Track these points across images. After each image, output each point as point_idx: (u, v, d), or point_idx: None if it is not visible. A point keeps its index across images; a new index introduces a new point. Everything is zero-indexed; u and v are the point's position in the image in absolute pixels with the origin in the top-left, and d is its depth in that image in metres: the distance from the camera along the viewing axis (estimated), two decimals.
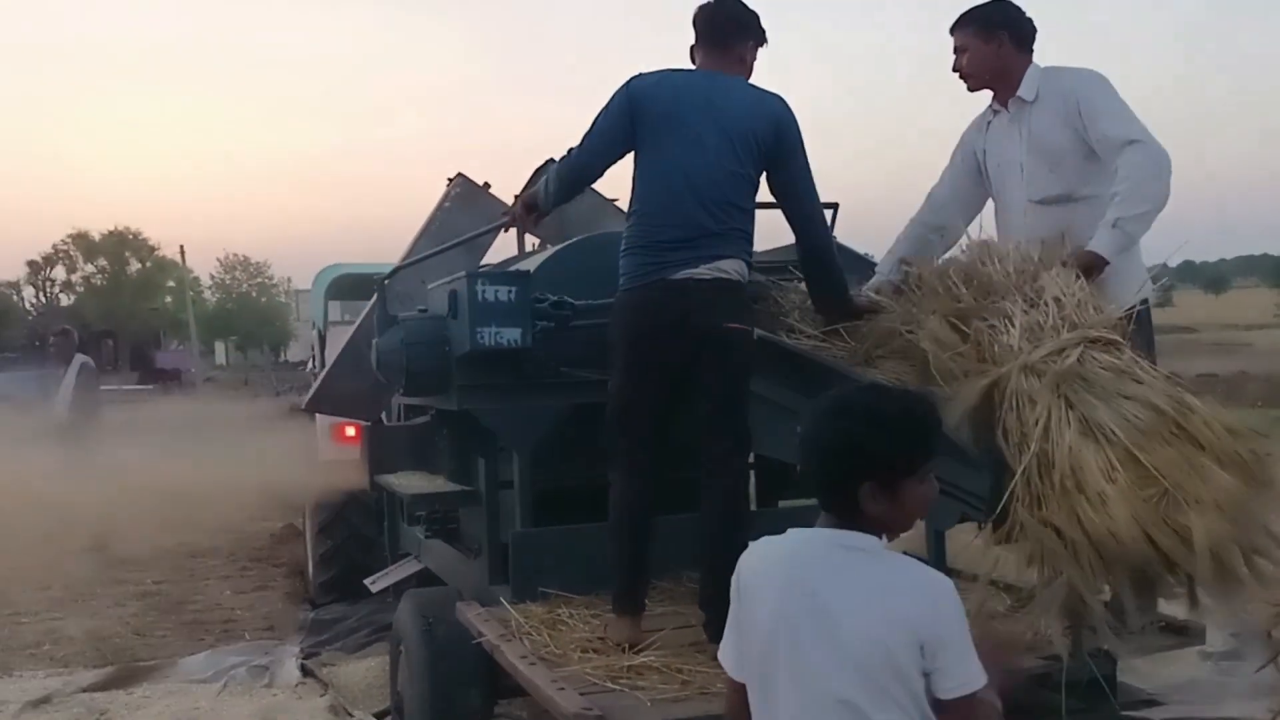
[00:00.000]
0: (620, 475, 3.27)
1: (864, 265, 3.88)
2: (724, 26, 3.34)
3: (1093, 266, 3.04)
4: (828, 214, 3.97)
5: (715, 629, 3.05)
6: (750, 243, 3.28)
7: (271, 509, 9.79)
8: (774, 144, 3.22)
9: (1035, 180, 3.41)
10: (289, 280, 59.32)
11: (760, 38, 3.39)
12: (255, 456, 9.09)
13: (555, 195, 3.49)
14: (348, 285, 8.11)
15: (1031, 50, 3.50)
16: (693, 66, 3.40)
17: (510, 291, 3.61)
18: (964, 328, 2.87)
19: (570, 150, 3.41)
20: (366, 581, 5.78)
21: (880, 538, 1.82)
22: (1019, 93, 3.45)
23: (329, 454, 7.05)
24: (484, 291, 3.60)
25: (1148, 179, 3.16)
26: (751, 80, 3.36)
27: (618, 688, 2.78)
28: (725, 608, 3.04)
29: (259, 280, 60.80)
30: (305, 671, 5.60)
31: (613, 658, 2.99)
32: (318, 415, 6.75)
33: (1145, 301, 3.31)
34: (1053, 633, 2.57)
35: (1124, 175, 3.16)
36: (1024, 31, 3.47)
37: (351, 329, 5.98)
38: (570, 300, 3.77)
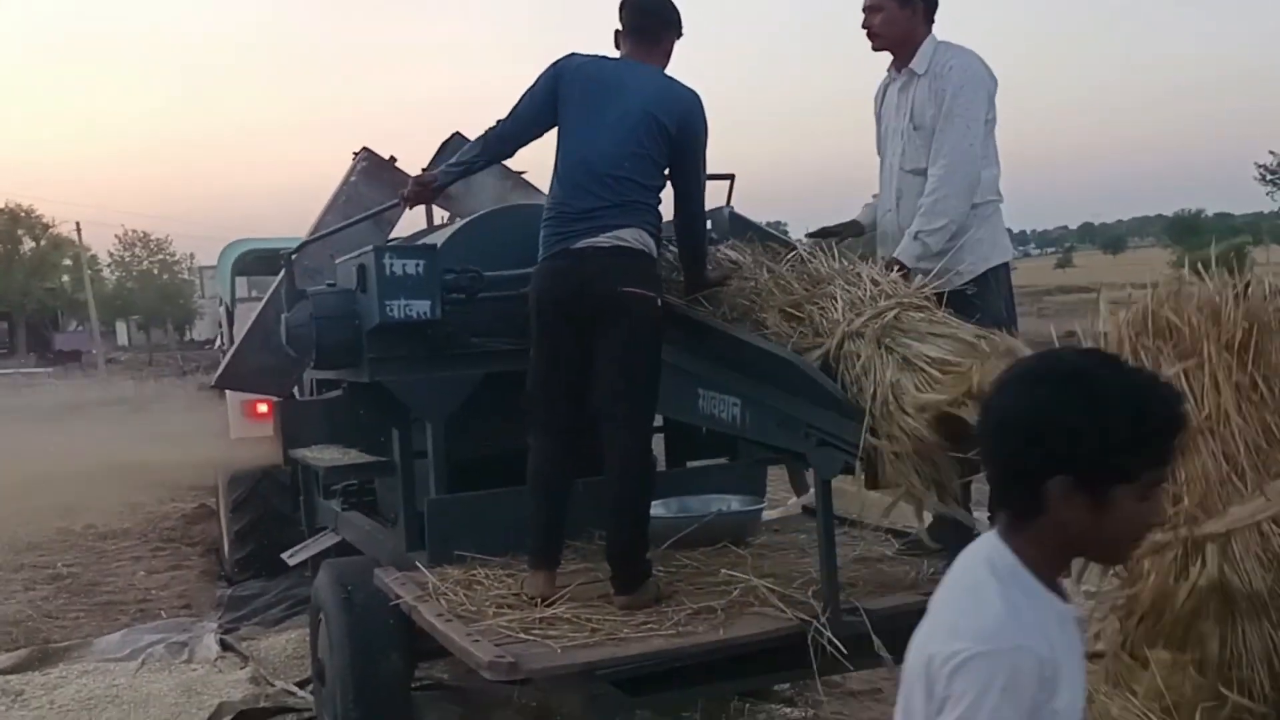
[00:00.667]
0: (537, 439, 3.44)
1: (760, 233, 4.04)
2: (650, 20, 3.55)
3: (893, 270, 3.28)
4: (724, 185, 4.17)
5: (620, 582, 3.23)
6: (655, 216, 3.43)
7: (183, 489, 9.71)
8: (678, 134, 3.39)
9: (909, 150, 3.60)
10: (192, 257, 57.72)
11: (680, 31, 3.60)
12: (164, 437, 9.00)
13: (465, 166, 3.65)
14: (255, 261, 8.04)
15: (933, 22, 3.63)
16: (618, 53, 3.57)
17: (418, 265, 3.70)
18: (800, 314, 3.14)
19: (497, 123, 3.58)
20: (284, 555, 5.83)
21: (1041, 565, 1.37)
22: (912, 64, 3.60)
23: (241, 431, 7.03)
24: (392, 265, 3.67)
25: (950, 195, 3.42)
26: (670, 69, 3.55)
27: (530, 638, 2.92)
28: (628, 562, 3.23)
29: (160, 257, 59.07)
30: (224, 646, 5.64)
31: (526, 611, 3.13)
32: (229, 393, 6.72)
33: (1006, 264, 3.57)
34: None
35: (931, 189, 3.44)
36: (934, 3, 3.62)
37: (260, 305, 5.97)
38: (479, 271, 3.87)
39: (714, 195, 3.94)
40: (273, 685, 4.96)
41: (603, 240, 3.29)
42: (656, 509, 3.61)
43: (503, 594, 3.33)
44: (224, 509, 7.40)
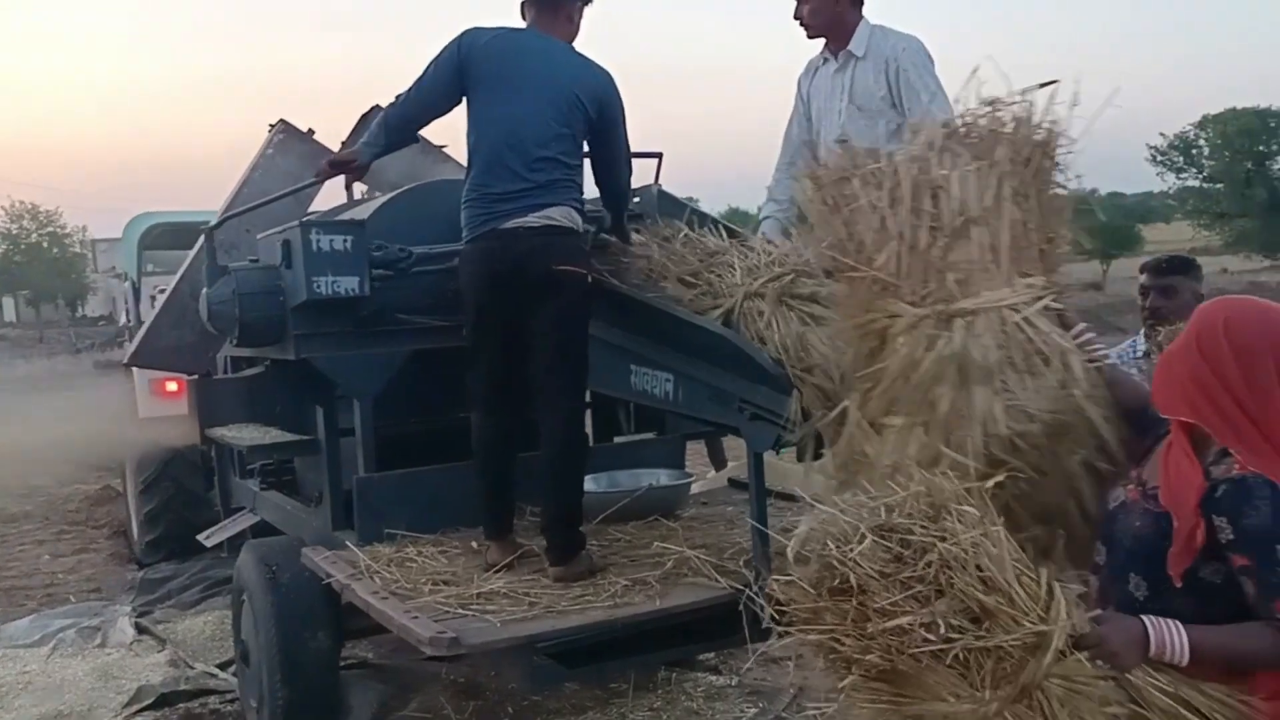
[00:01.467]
0: (477, 415, 3.48)
1: (681, 208, 4.08)
2: None
3: None
4: (652, 163, 4.20)
5: (555, 554, 3.27)
6: (580, 192, 3.45)
7: (85, 470, 9.43)
8: (596, 115, 3.41)
9: (849, 128, 3.66)
10: (84, 229, 55.41)
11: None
12: (66, 417, 8.71)
13: (380, 145, 3.59)
14: (161, 235, 7.80)
15: (862, 4, 3.72)
16: (524, 23, 3.52)
17: (346, 240, 3.65)
18: (698, 281, 3.31)
19: (398, 97, 3.49)
20: (200, 537, 5.70)
21: None
22: (850, 46, 3.68)
23: (150, 410, 6.86)
24: (319, 240, 3.62)
25: None
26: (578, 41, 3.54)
27: (469, 613, 2.94)
28: (563, 535, 3.27)
29: (50, 230, 56.64)
30: (140, 630, 5.53)
31: (462, 587, 3.15)
32: (136, 371, 6.54)
33: None
34: None
35: None
36: None
37: (170, 280, 5.81)
38: (407, 248, 3.84)
39: (643, 173, 3.99)
40: (192, 667, 4.88)
41: (533, 220, 3.30)
42: (587, 484, 3.65)
43: (437, 571, 3.35)
44: (131, 490, 7.21)
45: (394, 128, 3.56)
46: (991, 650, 1.79)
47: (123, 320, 8.19)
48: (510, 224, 3.30)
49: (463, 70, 3.39)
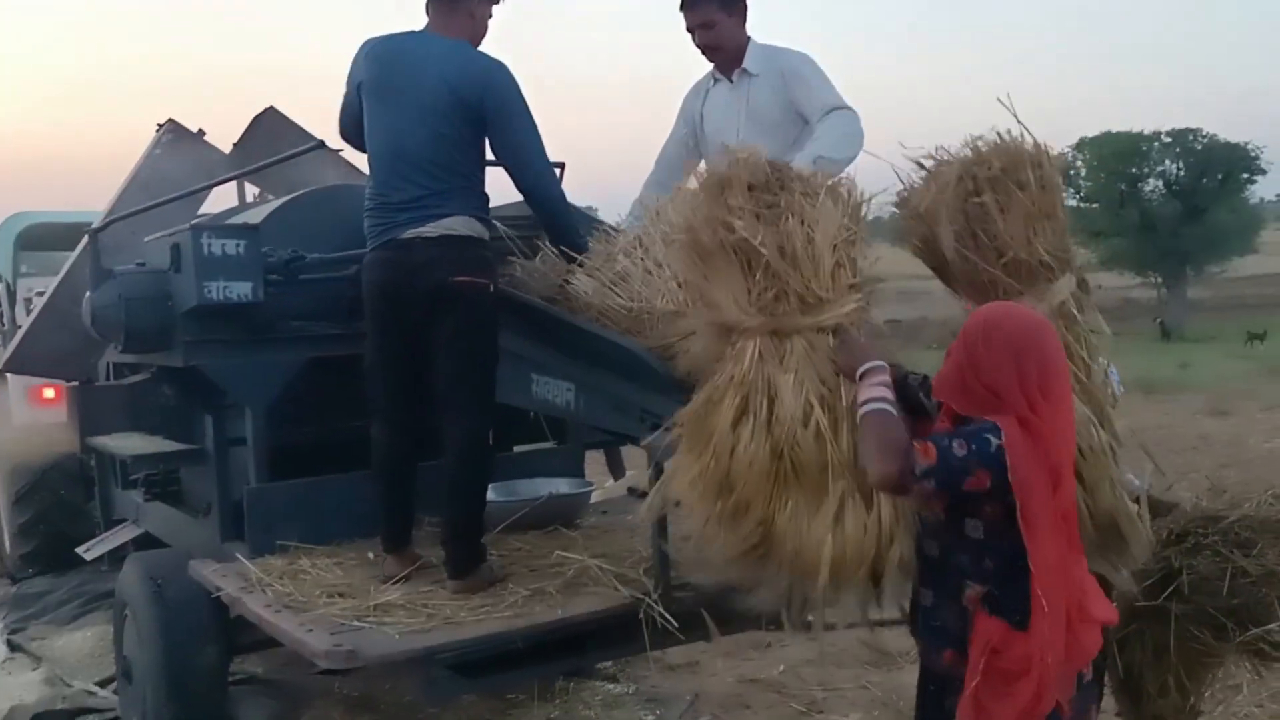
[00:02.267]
0: (376, 425, 3.42)
1: (584, 219, 4.09)
2: None
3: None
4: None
5: (454, 566, 3.24)
6: (481, 199, 3.39)
7: None
8: (483, 108, 3.30)
9: (747, 144, 3.72)
10: None
11: None
12: None
13: None
14: (39, 236, 7.49)
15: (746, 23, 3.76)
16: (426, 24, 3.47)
17: (239, 245, 3.57)
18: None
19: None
20: (80, 550, 5.48)
21: None
22: (745, 65, 3.72)
23: (25, 418, 6.58)
24: (210, 245, 3.53)
25: (847, 136, 3.53)
26: (486, 38, 3.47)
27: (365, 625, 2.89)
28: (464, 546, 3.24)
29: None
30: (12, 647, 5.29)
31: (358, 599, 3.09)
32: (10, 377, 6.26)
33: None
34: None
35: (825, 129, 3.53)
36: (747, 6, 3.75)
37: (49, 283, 5.58)
38: (302, 253, 3.77)
39: None
40: (70, 685, 4.69)
41: (429, 230, 3.24)
42: (488, 494, 3.63)
43: (332, 583, 3.28)
44: (3, 501, 6.89)
45: (348, 142, 3.59)
46: (782, 284, 2.35)
47: None
48: (408, 234, 3.25)
49: (357, 82, 3.38)
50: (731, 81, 3.79)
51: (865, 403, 2.22)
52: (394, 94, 3.30)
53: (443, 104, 3.26)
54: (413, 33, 3.43)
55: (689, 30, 3.75)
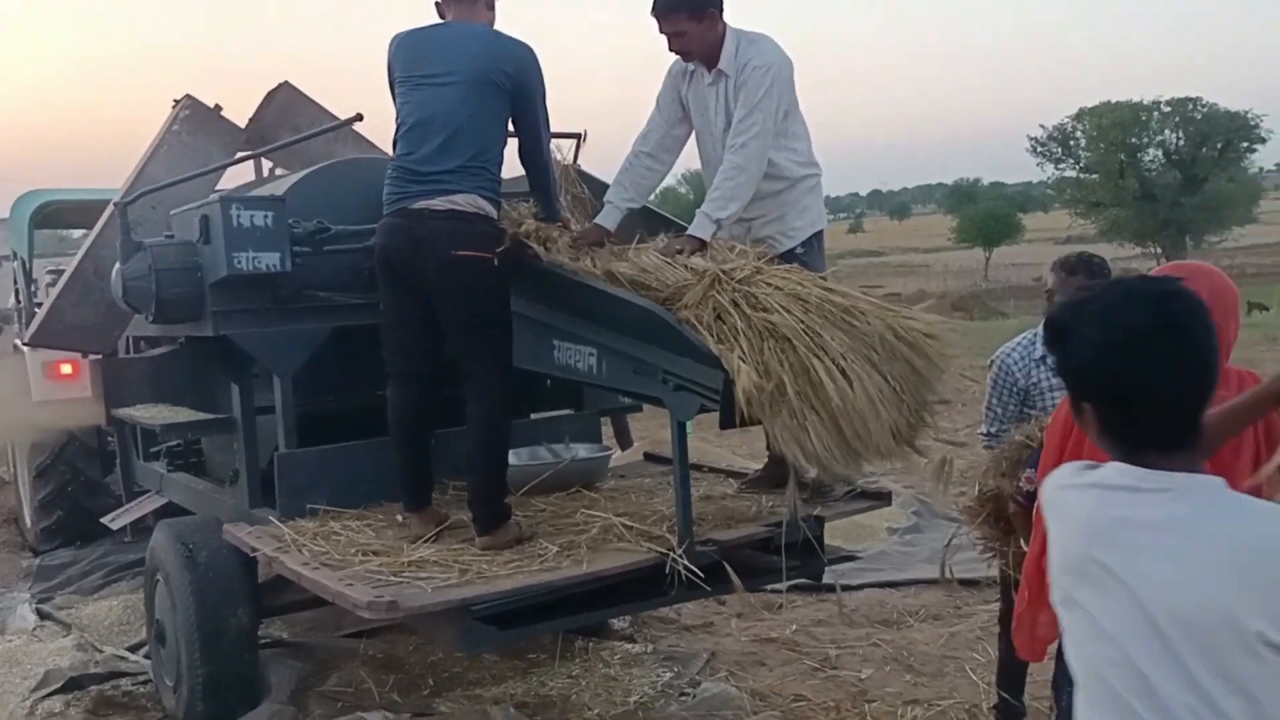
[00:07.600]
0: (393, 389, 3.54)
1: (602, 189, 4.16)
2: None
3: (696, 249, 3.46)
4: (570, 144, 4.28)
5: (482, 525, 3.35)
6: (493, 179, 3.50)
7: None
8: (514, 84, 3.48)
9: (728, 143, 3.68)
10: None
11: None
12: None
13: None
14: (57, 213, 7.55)
15: (723, 12, 3.69)
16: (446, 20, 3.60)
17: (267, 216, 3.65)
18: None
19: None
20: (105, 520, 5.60)
21: None
22: (720, 65, 3.68)
23: (43, 393, 6.65)
24: (239, 215, 3.62)
25: (741, 184, 3.58)
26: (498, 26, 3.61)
27: (402, 580, 3.01)
28: (488, 507, 3.35)
29: None
30: (42, 615, 5.39)
31: (392, 557, 3.20)
32: (28, 353, 6.33)
33: (822, 230, 3.85)
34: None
35: (723, 177, 3.60)
36: (720, 7, 3.67)
37: (70, 259, 5.66)
38: (327, 224, 3.86)
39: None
40: (101, 651, 4.80)
41: (438, 203, 3.37)
42: (510, 458, 3.73)
43: (364, 542, 3.39)
44: (24, 477, 6.99)
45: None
46: None
47: (11, 302, 7.88)
48: (417, 205, 3.39)
49: (390, 70, 3.55)
50: (710, 76, 3.73)
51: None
52: (428, 74, 3.44)
53: (478, 83, 3.41)
54: (441, 23, 3.59)
55: (662, 34, 3.70)
